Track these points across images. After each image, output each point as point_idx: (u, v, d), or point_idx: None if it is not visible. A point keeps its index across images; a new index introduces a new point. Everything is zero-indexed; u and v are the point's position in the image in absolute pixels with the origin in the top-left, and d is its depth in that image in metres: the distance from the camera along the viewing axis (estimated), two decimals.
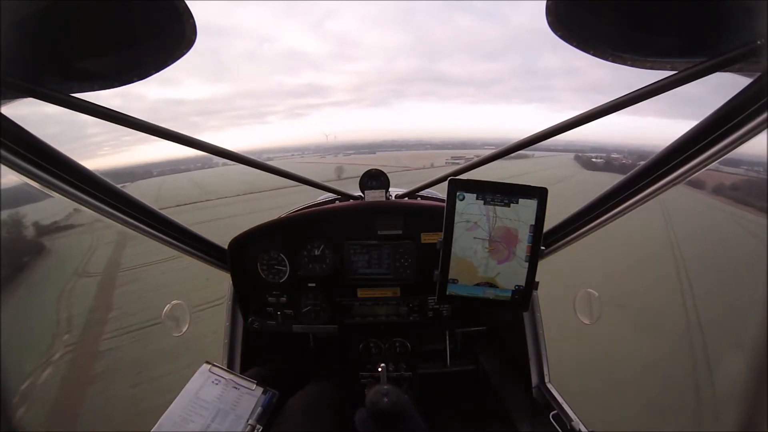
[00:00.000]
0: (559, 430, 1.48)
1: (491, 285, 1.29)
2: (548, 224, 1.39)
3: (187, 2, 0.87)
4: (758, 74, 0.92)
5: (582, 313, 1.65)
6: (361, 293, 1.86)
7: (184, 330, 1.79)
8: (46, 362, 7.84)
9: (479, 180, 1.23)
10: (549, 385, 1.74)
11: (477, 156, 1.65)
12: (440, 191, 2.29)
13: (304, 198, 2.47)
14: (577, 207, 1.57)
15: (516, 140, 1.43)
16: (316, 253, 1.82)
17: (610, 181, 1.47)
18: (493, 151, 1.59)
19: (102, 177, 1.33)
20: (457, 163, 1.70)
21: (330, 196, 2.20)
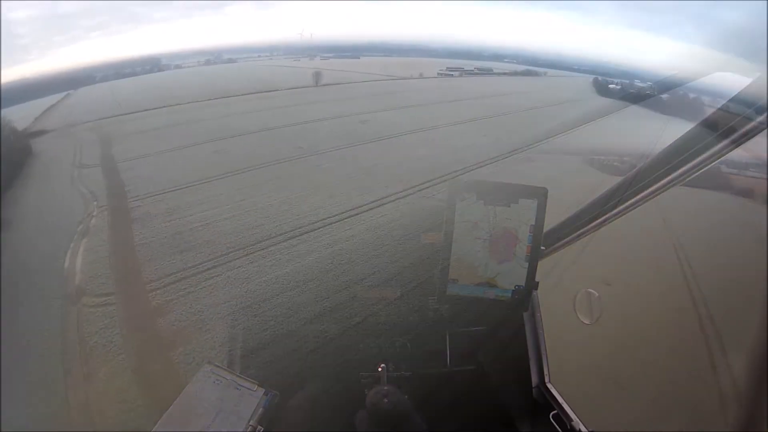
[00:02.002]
0: (559, 430, 1.48)
1: (491, 285, 1.29)
2: (548, 224, 1.39)
3: None
4: (758, 74, 0.92)
5: (582, 312, 1.65)
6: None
7: None
8: None
9: (480, 180, 1.24)
10: (549, 385, 1.73)
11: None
12: (440, 191, 2.29)
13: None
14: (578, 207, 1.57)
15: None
16: None
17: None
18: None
19: None
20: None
21: None
